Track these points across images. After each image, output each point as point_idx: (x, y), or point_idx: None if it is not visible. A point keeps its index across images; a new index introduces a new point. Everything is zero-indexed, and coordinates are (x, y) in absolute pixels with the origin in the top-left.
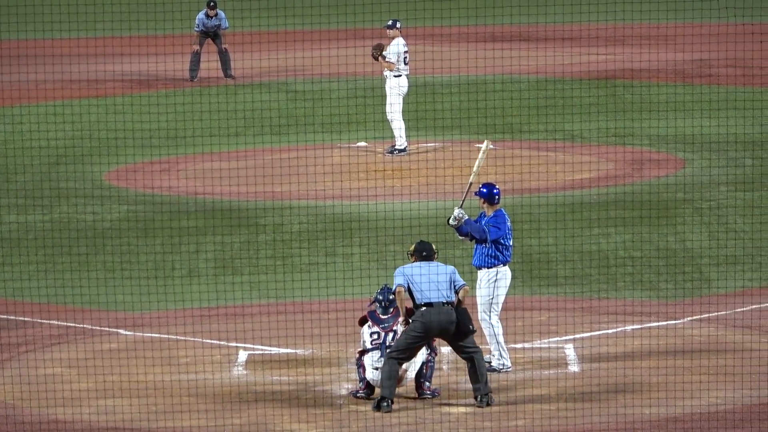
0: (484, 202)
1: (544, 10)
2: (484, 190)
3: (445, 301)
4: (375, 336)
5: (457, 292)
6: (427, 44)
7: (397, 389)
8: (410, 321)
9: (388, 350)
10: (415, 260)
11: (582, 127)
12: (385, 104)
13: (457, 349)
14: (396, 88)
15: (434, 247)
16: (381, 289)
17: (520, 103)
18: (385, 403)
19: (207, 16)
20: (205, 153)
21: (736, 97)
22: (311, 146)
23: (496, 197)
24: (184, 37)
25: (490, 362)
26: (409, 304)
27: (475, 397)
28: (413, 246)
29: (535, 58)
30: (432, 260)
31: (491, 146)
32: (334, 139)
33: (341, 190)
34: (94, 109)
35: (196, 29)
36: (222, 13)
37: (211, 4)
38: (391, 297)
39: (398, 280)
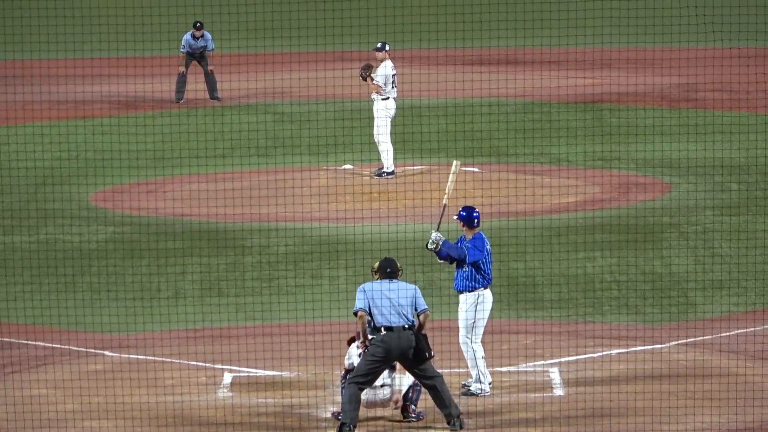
0: (463, 226)
1: (531, 33)
2: (464, 214)
3: (405, 325)
4: (361, 353)
5: (418, 316)
6: (413, 67)
7: (382, 412)
8: (368, 346)
9: (349, 375)
10: (380, 278)
11: (568, 151)
12: (372, 126)
13: (417, 375)
14: (384, 110)
15: (399, 264)
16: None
17: (506, 126)
18: (347, 429)
19: (193, 37)
20: (192, 174)
21: (722, 122)
22: (297, 168)
23: (476, 220)
24: (170, 58)
25: (469, 386)
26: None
27: (448, 422)
28: (377, 263)
29: (521, 81)
30: (396, 278)
31: (461, 168)
32: (320, 162)
33: (327, 213)
34: (80, 130)
35: (182, 50)
36: (208, 35)
37: (198, 24)
38: None
39: (359, 302)
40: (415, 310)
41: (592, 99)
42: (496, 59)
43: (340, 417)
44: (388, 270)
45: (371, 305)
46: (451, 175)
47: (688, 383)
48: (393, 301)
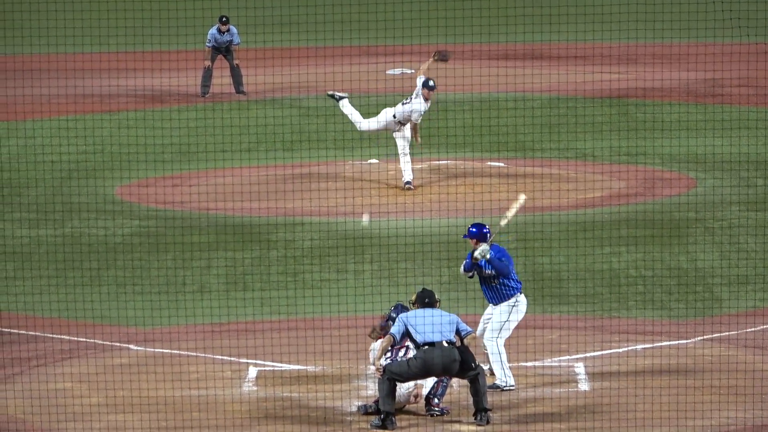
0: (476, 243)
1: (557, 29)
2: (475, 231)
3: (447, 340)
4: (388, 353)
5: (462, 339)
6: (440, 62)
7: (408, 407)
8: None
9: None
10: (418, 308)
11: (594, 146)
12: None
13: (463, 376)
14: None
15: (437, 295)
16: (394, 307)
17: (532, 121)
18: (389, 421)
19: (219, 31)
20: (217, 168)
21: (748, 117)
22: (323, 162)
23: (488, 235)
24: (196, 52)
25: (494, 381)
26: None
27: (474, 415)
28: (415, 295)
29: (547, 77)
30: (434, 307)
31: (524, 202)
32: (345, 156)
33: (353, 207)
34: (106, 123)
35: (208, 45)
36: (234, 29)
37: (224, 19)
38: None
39: (393, 328)
40: (458, 334)
41: (618, 94)
42: (521, 54)
43: (370, 410)
44: (426, 300)
45: (409, 327)
46: (515, 203)
47: (714, 378)
48: (433, 320)
